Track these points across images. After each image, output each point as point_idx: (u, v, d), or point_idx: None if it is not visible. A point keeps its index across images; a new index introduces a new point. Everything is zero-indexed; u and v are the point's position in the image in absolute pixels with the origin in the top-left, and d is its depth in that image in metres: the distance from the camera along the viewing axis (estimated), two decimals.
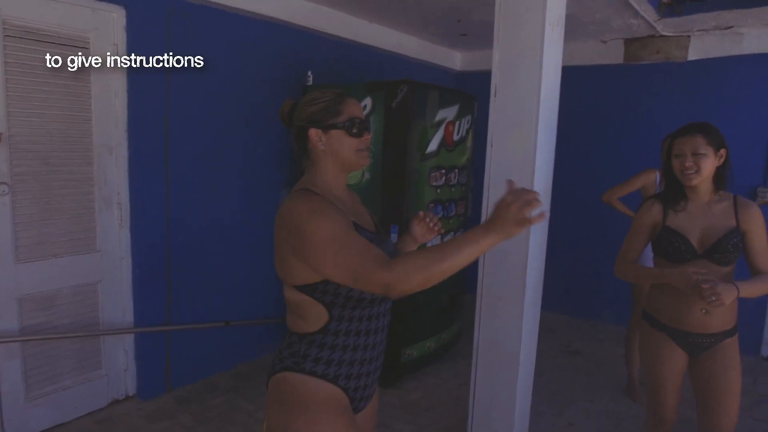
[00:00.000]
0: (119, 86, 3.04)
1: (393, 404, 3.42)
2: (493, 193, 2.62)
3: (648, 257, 2.30)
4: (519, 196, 1.14)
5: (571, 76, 4.97)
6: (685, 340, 2.07)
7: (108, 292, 3.17)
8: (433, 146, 3.50)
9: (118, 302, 3.22)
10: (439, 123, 3.53)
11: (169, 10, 3.13)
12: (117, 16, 2.98)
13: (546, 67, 2.44)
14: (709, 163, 1.97)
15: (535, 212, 1.12)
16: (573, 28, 4.37)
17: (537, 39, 2.40)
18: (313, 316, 1.37)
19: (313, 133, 1.41)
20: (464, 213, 3.98)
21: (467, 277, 4.11)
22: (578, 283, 5.22)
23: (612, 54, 4.75)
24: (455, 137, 3.70)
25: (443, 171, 3.62)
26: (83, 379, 3.11)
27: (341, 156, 1.43)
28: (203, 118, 3.42)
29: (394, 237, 3.31)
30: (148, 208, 3.22)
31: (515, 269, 2.60)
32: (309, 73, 3.75)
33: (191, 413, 3.22)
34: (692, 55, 4.39)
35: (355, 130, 1.42)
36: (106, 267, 3.14)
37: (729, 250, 1.96)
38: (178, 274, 3.40)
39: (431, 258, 1.16)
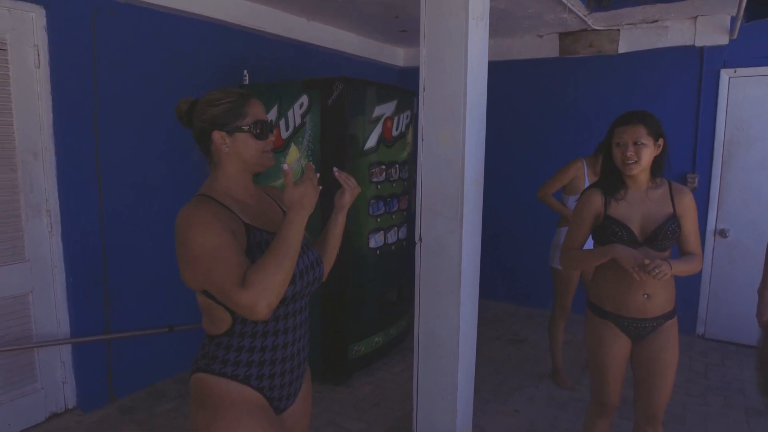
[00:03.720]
0: (42, 89, 2.93)
1: (343, 401, 3.42)
2: (426, 185, 2.65)
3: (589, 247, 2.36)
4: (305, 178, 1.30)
5: (510, 70, 5.15)
6: (629, 326, 2.12)
7: (40, 302, 3.05)
8: (371, 142, 3.52)
9: (51, 313, 3.11)
10: (377, 119, 3.55)
11: (94, 10, 3.04)
12: (36, 16, 2.87)
13: (471, 60, 2.48)
14: (649, 153, 2.02)
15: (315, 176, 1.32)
16: (509, 24, 4.47)
17: (461, 33, 2.44)
18: (218, 319, 1.37)
19: (217, 135, 1.39)
20: (407, 208, 4.01)
21: (413, 272, 4.15)
22: (524, 272, 5.34)
23: (548, 48, 4.88)
24: (394, 133, 3.72)
25: (383, 167, 3.64)
26: (17, 394, 2.99)
27: (246, 158, 1.41)
28: (136, 119, 3.34)
29: None
30: (80, 214, 3.12)
31: (450, 261, 2.63)
32: (245, 72, 3.70)
33: (137, 422, 3.14)
34: (623, 48, 4.55)
35: (259, 132, 1.41)
36: (37, 277, 3.03)
37: (668, 236, 2.03)
38: (116, 280, 3.31)
39: (275, 267, 1.21)
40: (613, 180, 2.12)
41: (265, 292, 1.19)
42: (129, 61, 3.26)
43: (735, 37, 4.07)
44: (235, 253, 1.25)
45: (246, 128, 1.39)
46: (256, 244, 1.36)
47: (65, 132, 3.01)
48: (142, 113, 3.37)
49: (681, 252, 2.14)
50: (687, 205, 2.08)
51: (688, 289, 4.43)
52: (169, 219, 3.55)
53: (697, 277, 4.45)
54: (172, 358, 3.69)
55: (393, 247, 3.89)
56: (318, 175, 1.36)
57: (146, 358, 3.52)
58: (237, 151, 1.40)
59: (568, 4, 3.80)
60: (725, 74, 4.23)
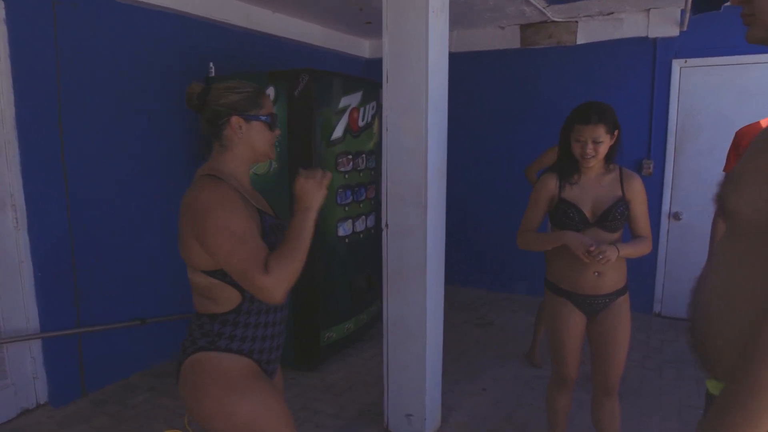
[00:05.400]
0: (4, 82, 2.90)
1: (315, 387, 3.50)
2: (391, 173, 2.74)
3: (545, 229, 2.48)
4: (308, 175, 1.43)
5: (474, 60, 5.26)
6: (583, 302, 2.25)
7: (8, 298, 3.03)
8: (338, 133, 3.58)
9: (20, 308, 3.09)
10: (343, 110, 3.62)
11: (55, 2, 3.02)
12: None
13: (432, 52, 2.56)
14: (606, 147, 2.14)
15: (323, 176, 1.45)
16: (472, 16, 4.57)
17: (422, 25, 2.52)
18: (224, 298, 1.44)
19: (235, 120, 1.46)
20: (375, 197, 4.09)
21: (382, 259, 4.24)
22: (491, 258, 5.49)
23: (510, 39, 5.01)
24: (360, 123, 3.80)
25: (350, 156, 3.71)
26: None
27: (257, 147, 1.50)
28: (101, 112, 3.33)
29: None
30: (47, 208, 3.10)
31: (416, 246, 2.73)
32: (211, 64, 3.71)
33: (109, 415, 3.16)
34: (581, 39, 4.71)
35: (272, 124, 1.52)
36: (4, 272, 3.00)
37: (616, 218, 2.16)
38: (86, 274, 3.30)
39: (292, 257, 1.34)
40: (568, 165, 2.24)
41: (285, 280, 1.32)
42: (93, 55, 3.25)
43: (685, 29, 4.26)
44: (256, 237, 1.35)
45: (263, 118, 1.48)
46: (270, 228, 1.46)
47: (29, 126, 2.99)
48: (108, 107, 3.36)
49: (632, 234, 2.28)
50: (636, 189, 2.22)
51: (645, 270, 4.64)
52: (140, 213, 3.58)
53: (653, 259, 4.66)
54: (145, 350, 3.71)
55: (361, 236, 3.97)
56: (329, 174, 1.48)
57: (118, 352, 3.53)
58: (249, 139, 1.48)
59: None
60: (676, 64, 4.43)
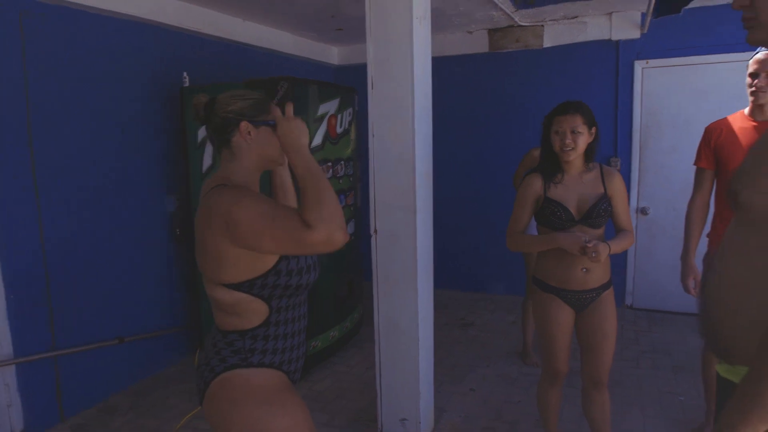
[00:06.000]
0: None
1: (304, 396, 3.40)
2: (379, 179, 2.75)
3: (532, 227, 2.53)
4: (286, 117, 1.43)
5: (443, 65, 5.32)
6: (572, 297, 2.31)
7: None
8: (317, 140, 3.57)
9: None
10: (322, 117, 3.61)
11: (21, 12, 2.91)
12: None
13: (417, 58, 2.59)
14: (584, 140, 2.22)
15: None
16: (441, 21, 4.64)
17: (406, 32, 2.55)
18: (251, 312, 1.42)
19: (244, 125, 1.44)
20: (354, 203, 4.09)
21: (363, 265, 4.25)
22: (466, 259, 5.56)
23: (478, 44, 5.10)
24: (338, 130, 3.80)
25: (329, 164, 3.71)
26: None
27: (266, 152, 1.47)
28: (73, 125, 3.22)
29: None
30: (18, 226, 2.97)
31: (406, 252, 2.75)
32: (185, 74, 3.64)
33: None
34: (547, 43, 4.84)
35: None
36: None
37: (601, 214, 2.23)
38: (60, 294, 3.18)
39: (320, 198, 1.30)
40: (551, 165, 2.30)
41: (331, 221, 1.28)
42: (63, 66, 3.14)
43: (645, 31, 4.45)
44: (281, 206, 1.34)
45: (272, 123, 1.45)
46: None
47: None
48: (80, 119, 3.25)
49: (616, 229, 2.36)
50: (616, 185, 2.30)
51: (616, 264, 4.78)
52: (116, 227, 3.47)
53: (623, 253, 4.81)
54: (124, 370, 3.60)
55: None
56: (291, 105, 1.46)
57: (97, 373, 3.41)
58: (259, 145, 1.46)
59: (497, 2, 4.00)
60: (638, 65, 4.61)
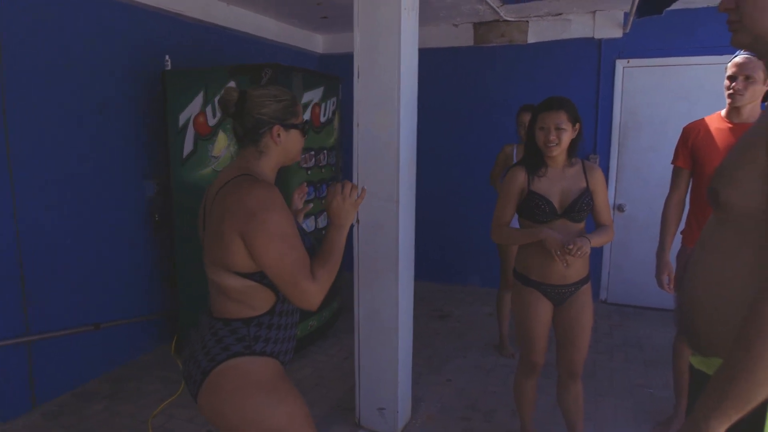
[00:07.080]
0: None
1: None
2: (362, 170, 2.75)
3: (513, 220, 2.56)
4: (340, 191, 1.50)
5: (427, 57, 5.31)
6: (551, 291, 2.35)
7: None
8: None
9: None
10: (306, 105, 3.58)
11: None
12: None
13: (404, 49, 2.59)
14: (568, 136, 2.25)
15: (358, 194, 1.53)
16: (427, 12, 4.63)
17: (394, 22, 2.54)
18: (259, 300, 1.45)
19: (277, 129, 1.48)
20: None
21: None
22: (442, 252, 5.60)
23: (464, 37, 5.11)
24: (322, 119, 3.78)
25: (312, 153, 3.69)
26: None
27: (291, 153, 1.55)
28: (49, 109, 3.14)
29: None
30: None
31: (388, 241, 2.75)
32: (167, 57, 3.58)
33: (64, 427, 2.99)
34: (531, 38, 4.88)
35: (305, 130, 1.57)
36: None
37: (583, 208, 2.27)
38: (35, 279, 3.11)
39: (330, 269, 1.44)
40: (535, 159, 2.34)
41: (325, 288, 1.43)
42: (39, 48, 3.05)
43: (628, 30, 4.51)
44: (302, 244, 1.41)
45: (299, 126, 1.53)
46: (301, 231, 1.52)
47: None
48: (57, 103, 3.17)
49: (596, 224, 2.41)
50: (598, 180, 2.35)
51: (592, 260, 4.86)
52: (92, 213, 3.40)
53: (599, 248, 4.91)
54: (100, 356, 3.55)
55: (323, 232, 3.94)
56: (362, 189, 1.57)
57: (71, 360, 3.35)
58: (286, 146, 1.52)
59: None
60: (620, 64, 4.68)
